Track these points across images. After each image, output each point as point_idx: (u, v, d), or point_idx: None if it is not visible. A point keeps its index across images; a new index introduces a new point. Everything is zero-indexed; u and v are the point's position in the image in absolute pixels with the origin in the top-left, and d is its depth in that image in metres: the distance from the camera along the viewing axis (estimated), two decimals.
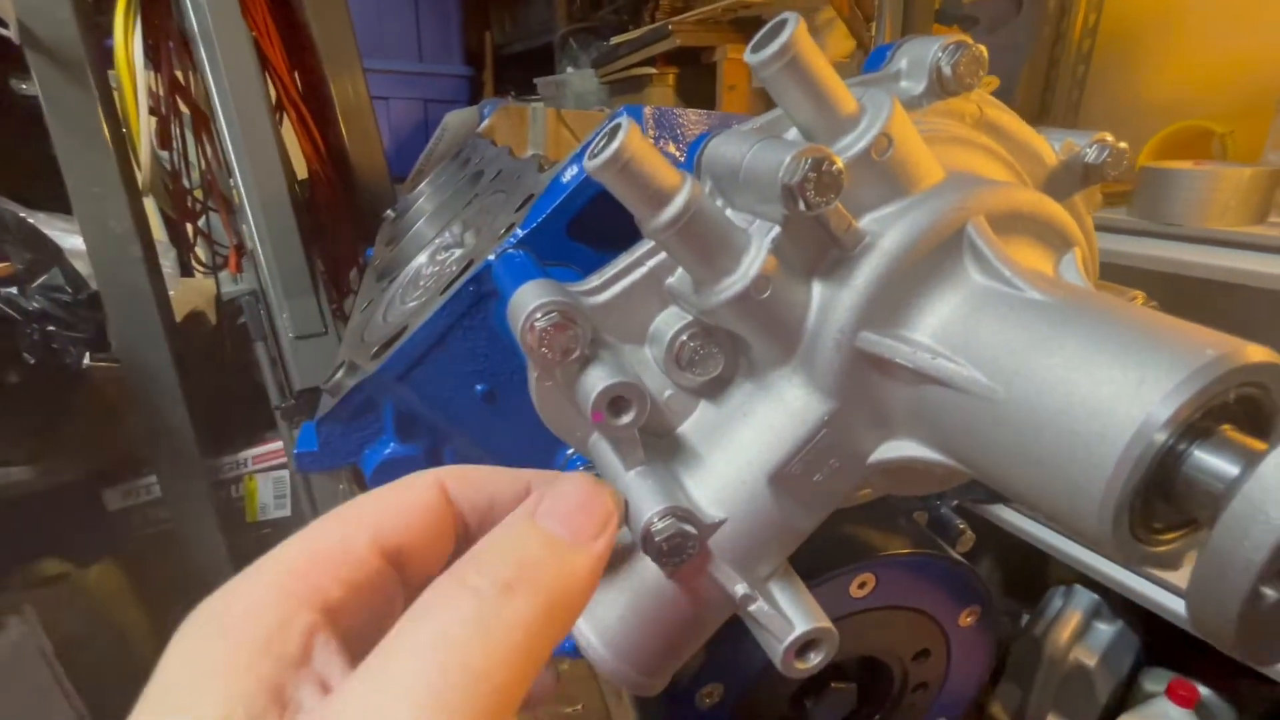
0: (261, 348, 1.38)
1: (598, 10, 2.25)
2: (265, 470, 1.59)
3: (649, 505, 0.25)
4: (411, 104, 2.43)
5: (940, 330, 0.24)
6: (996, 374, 0.22)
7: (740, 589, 0.26)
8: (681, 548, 0.24)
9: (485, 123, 0.93)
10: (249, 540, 1.61)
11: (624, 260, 0.29)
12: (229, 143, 1.18)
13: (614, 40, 1.72)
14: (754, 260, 0.25)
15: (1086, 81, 1.32)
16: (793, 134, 0.28)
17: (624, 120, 0.23)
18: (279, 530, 1.62)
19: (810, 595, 0.28)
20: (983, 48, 0.27)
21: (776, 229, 0.25)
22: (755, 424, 0.27)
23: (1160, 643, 1.07)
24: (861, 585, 0.36)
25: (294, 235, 1.19)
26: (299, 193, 1.56)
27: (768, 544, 0.27)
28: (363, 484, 0.44)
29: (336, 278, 1.70)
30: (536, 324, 0.25)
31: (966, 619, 0.39)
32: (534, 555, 0.18)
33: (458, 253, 0.45)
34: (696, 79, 1.59)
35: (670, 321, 0.29)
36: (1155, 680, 1.05)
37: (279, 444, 1.57)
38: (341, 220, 1.65)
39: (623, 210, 0.25)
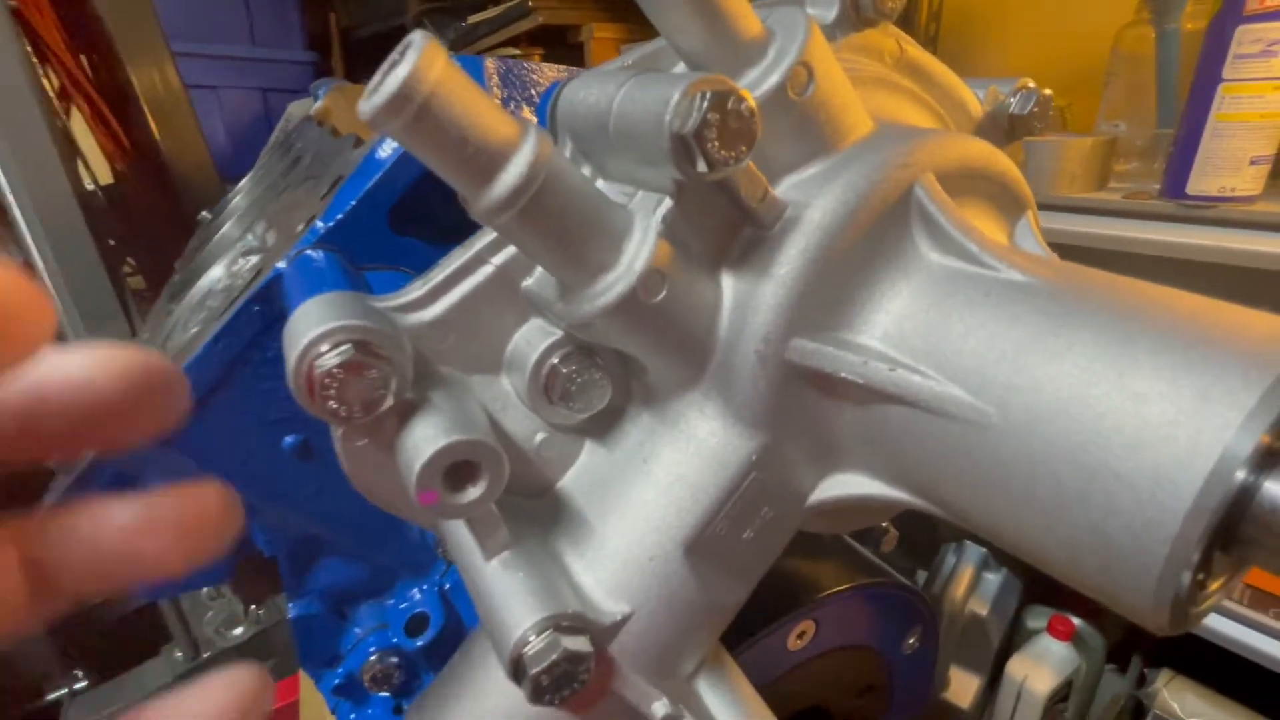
0: None
1: None
2: None
3: (517, 616, 0.17)
4: (247, 94, 2.19)
5: (895, 331, 0.18)
6: (982, 390, 0.16)
7: (659, 709, 0.19)
8: (570, 677, 0.16)
9: (318, 104, 0.79)
10: None
11: (457, 258, 0.20)
12: None
13: (471, 20, 1.59)
14: (640, 248, 0.17)
15: None
16: (679, 69, 0.21)
17: (416, 37, 0.14)
18: None
19: (750, 688, 0.21)
20: None
21: (667, 202, 0.18)
22: (660, 475, 0.20)
23: (1037, 581, 1.13)
24: (800, 635, 0.31)
25: (89, 249, 0.98)
26: (102, 198, 1.33)
27: (691, 633, 0.20)
28: None
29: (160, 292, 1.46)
30: (317, 365, 0.16)
31: (910, 643, 0.35)
32: None
33: (254, 260, 0.34)
34: (564, 60, 1.50)
35: (534, 340, 0.21)
36: (1036, 617, 1.12)
37: None
38: (161, 226, 1.42)
39: None
